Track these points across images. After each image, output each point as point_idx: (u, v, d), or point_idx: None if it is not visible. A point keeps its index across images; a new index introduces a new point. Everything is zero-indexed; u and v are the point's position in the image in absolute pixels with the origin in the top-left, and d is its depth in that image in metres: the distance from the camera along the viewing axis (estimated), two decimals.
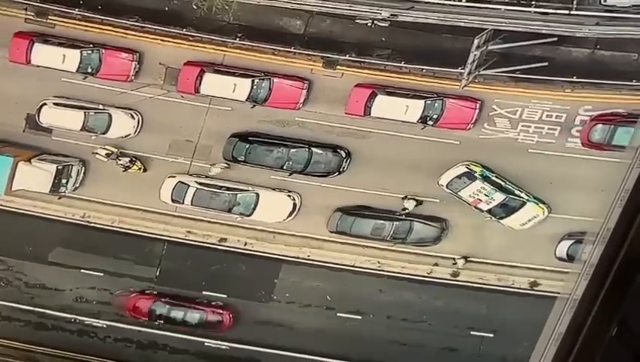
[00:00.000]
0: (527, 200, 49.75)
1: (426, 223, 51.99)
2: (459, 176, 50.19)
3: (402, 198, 51.69)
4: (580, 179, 49.14)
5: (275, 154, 51.95)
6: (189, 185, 53.13)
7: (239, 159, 52.23)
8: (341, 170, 51.82)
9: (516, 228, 50.34)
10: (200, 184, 53.19)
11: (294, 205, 52.85)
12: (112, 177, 54.11)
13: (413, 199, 51.48)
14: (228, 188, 53.04)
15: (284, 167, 52.12)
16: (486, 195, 49.85)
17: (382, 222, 52.18)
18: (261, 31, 50.85)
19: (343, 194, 52.43)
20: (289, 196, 52.88)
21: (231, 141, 52.34)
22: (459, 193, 50.19)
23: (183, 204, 53.38)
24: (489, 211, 50.26)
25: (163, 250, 54.93)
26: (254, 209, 52.85)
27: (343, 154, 51.67)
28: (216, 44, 51.47)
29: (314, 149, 51.71)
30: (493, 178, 49.86)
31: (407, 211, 51.60)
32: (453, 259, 52.17)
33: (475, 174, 49.87)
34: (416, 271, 52.65)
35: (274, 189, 52.96)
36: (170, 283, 55.15)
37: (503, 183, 49.84)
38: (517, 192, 49.74)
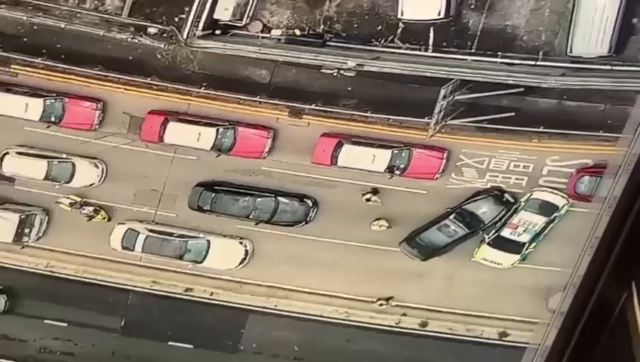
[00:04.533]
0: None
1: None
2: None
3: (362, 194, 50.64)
4: (549, 230, 48.81)
5: (241, 203, 51.47)
6: (139, 233, 52.54)
7: (205, 208, 51.71)
8: (308, 219, 51.36)
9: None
10: (150, 231, 52.59)
11: (246, 252, 52.33)
12: (76, 227, 53.66)
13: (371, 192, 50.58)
14: (179, 236, 52.50)
15: (251, 217, 51.58)
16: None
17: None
18: (226, 80, 50.61)
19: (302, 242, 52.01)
20: (241, 243, 52.39)
21: (196, 190, 51.90)
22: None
23: (133, 251, 52.75)
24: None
25: (128, 299, 54.49)
26: (206, 256, 52.25)
27: (310, 204, 51.27)
28: (181, 93, 51.23)
29: (280, 198, 51.28)
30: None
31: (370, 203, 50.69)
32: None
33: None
34: (384, 321, 52.16)
35: (225, 236, 52.48)
36: (136, 333, 54.55)
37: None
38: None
